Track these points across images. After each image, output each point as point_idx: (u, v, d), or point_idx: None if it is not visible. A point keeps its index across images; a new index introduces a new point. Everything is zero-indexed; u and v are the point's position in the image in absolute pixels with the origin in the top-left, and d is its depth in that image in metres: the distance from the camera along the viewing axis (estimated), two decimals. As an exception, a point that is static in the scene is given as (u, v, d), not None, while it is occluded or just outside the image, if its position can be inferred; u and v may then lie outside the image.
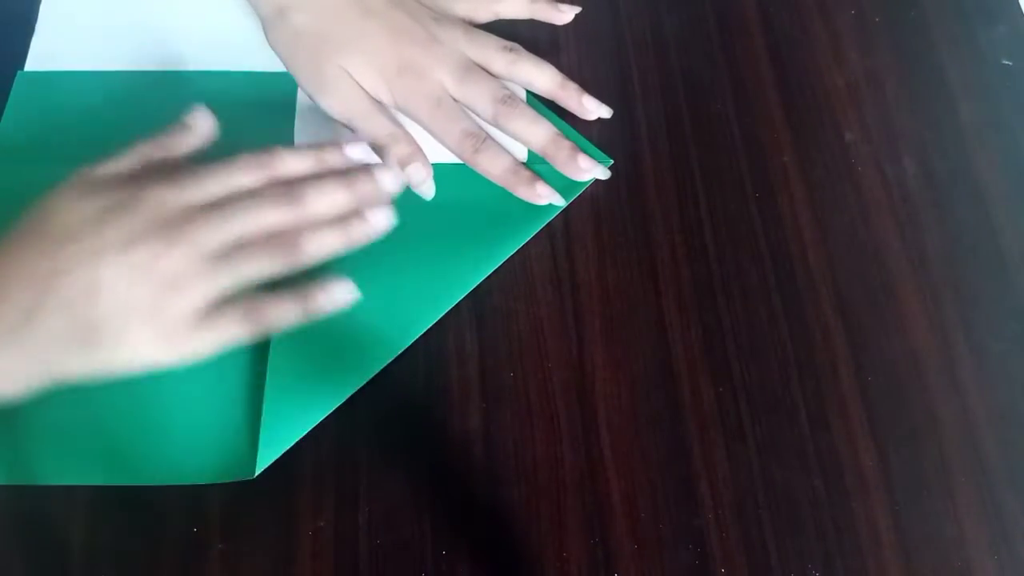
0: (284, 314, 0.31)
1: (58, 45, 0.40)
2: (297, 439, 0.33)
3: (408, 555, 0.32)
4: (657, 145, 0.40)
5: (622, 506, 0.33)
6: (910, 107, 0.41)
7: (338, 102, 0.37)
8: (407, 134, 0.37)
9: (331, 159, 0.34)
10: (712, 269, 0.37)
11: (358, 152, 0.34)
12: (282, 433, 0.33)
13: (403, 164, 0.37)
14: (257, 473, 0.32)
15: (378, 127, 0.37)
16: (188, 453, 0.32)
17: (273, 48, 0.38)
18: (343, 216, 0.32)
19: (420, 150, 0.37)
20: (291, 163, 0.33)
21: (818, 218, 0.39)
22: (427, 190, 0.38)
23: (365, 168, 0.34)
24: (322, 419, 0.33)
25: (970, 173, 0.40)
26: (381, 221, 0.33)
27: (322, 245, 0.32)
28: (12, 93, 0.39)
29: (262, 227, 0.31)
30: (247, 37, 0.40)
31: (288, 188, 0.32)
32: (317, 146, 0.34)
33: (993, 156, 0.40)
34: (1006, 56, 0.43)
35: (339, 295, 0.32)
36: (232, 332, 0.30)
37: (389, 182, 0.34)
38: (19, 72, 0.39)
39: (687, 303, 0.36)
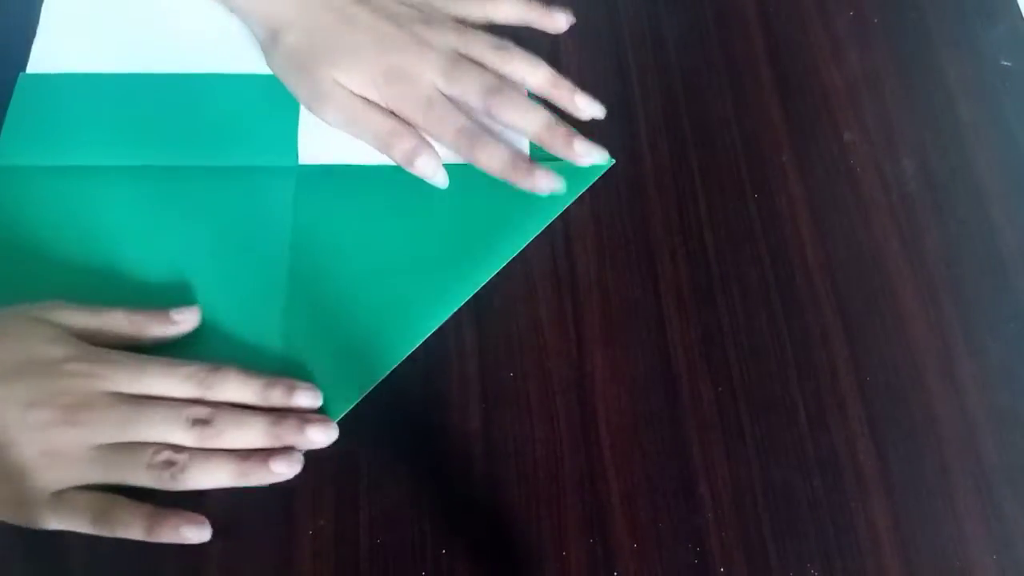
0: (130, 528, 0.30)
1: (60, 47, 0.40)
2: (358, 399, 0.33)
3: (408, 555, 0.32)
4: (657, 145, 0.40)
5: (621, 506, 0.33)
6: (909, 107, 0.42)
7: (334, 110, 0.37)
8: (409, 128, 0.37)
9: (276, 398, 0.32)
10: (711, 269, 0.37)
11: (307, 399, 0.33)
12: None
13: (409, 159, 0.37)
14: None
15: (378, 125, 0.37)
16: None
17: (272, 71, 0.39)
18: (246, 454, 0.31)
19: (425, 141, 0.37)
20: (233, 391, 0.32)
21: (817, 218, 0.39)
22: (440, 181, 0.37)
23: (299, 418, 0.32)
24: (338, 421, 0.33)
25: (969, 173, 0.40)
26: (282, 474, 0.31)
27: (207, 479, 0.31)
28: (14, 96, 0.39)
29: (163, 440, 0.31)
30: (251, 40, 0.40)
31: (210, 412, 0.31)
32: (271, 381, 0.32)
33: (992, 156, 0.40)
34: (1005, 57, 0.43)
35: (187, 534, 0.31)
36: (75, 525, 0.30)
37: (318, 439, 0.32)
38: (21, 74, 0.39)
39: (686, 303, 0.36)
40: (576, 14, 0.42)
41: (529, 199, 0.37)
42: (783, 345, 0.36)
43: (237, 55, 0.40)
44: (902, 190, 0.40)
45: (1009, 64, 0.43)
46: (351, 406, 0.34)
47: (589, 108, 0.39)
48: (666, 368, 0.35)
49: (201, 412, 0.31)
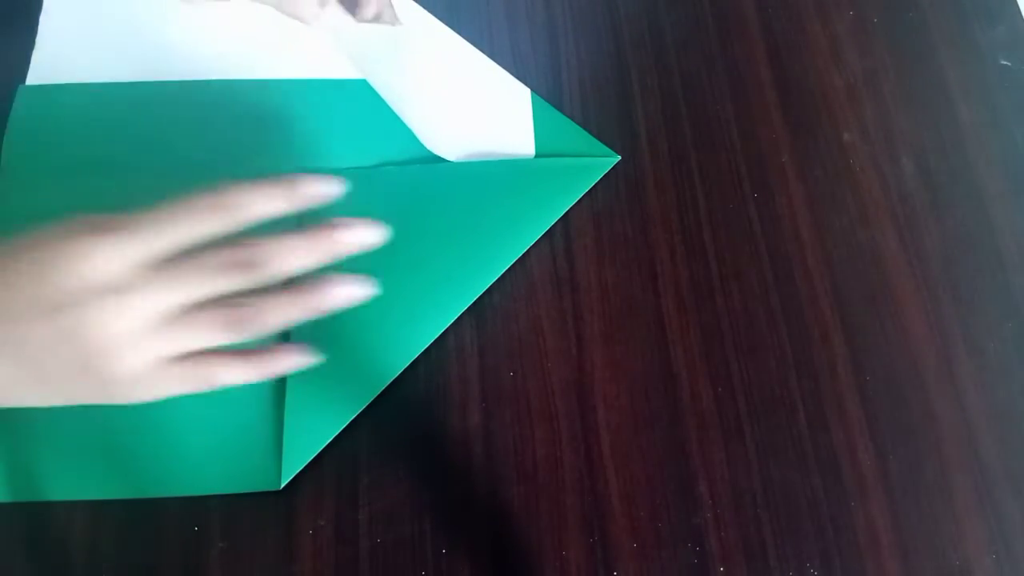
0: (231, 376, 0.29)
1: (60, 57, 0.39)
2: (320, 448, 0.33)
3: (408, 554, 0.32)
4: (656, 145, 0.40)
5: (621, 505, 0.33)
6: (908, 107, 0.42)
7: None
8: None
9: (300, 194, 0.30)
10: (711, 269, 0.37)
11: (327, 186, 0.30)
12: (305, 443, 0.33)
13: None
14: (283, 484, 0.32)
15: None
16: (212, 464, 0.32)
17: None
18: (307, 284, 0.29)
19: None
20: (257, 205, 0.29)
21: (816, 218, 0.39)
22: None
23: (327, 225, 0.29)
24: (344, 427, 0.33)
25: (968, 173, 0.40)
26: (344, 296, 0.30)
27: (278, 319, 0.29)
28: (14, 108, 0.38)
29: (216, 293, 0.29)
30: (253, 46, 0.40)
31: (249, 251, 0.29)
32: (273, 180, 0.30)
33: (991, 156, 0.41)
34: (1004, 56, 0.43)
35: (291, 361, 0.30)
36: (174, 390, 0.29)
37: (354, 238, 0.30)
38: (20, 86, 0.38)
39: (686, 303, 0.37)
40: (576, 14, 0.42)
41: (531, 200, 0.37)
42: (782, 345, 0.36)
43: (234, 62, 0.40)
44: (901, 190, 0.40)
45: (1008, 64, 0.43)
46: (360, 409, 0.34)
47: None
48: (666, 368, 0.35)
49: (242, 254, 0.29)
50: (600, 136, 0.40)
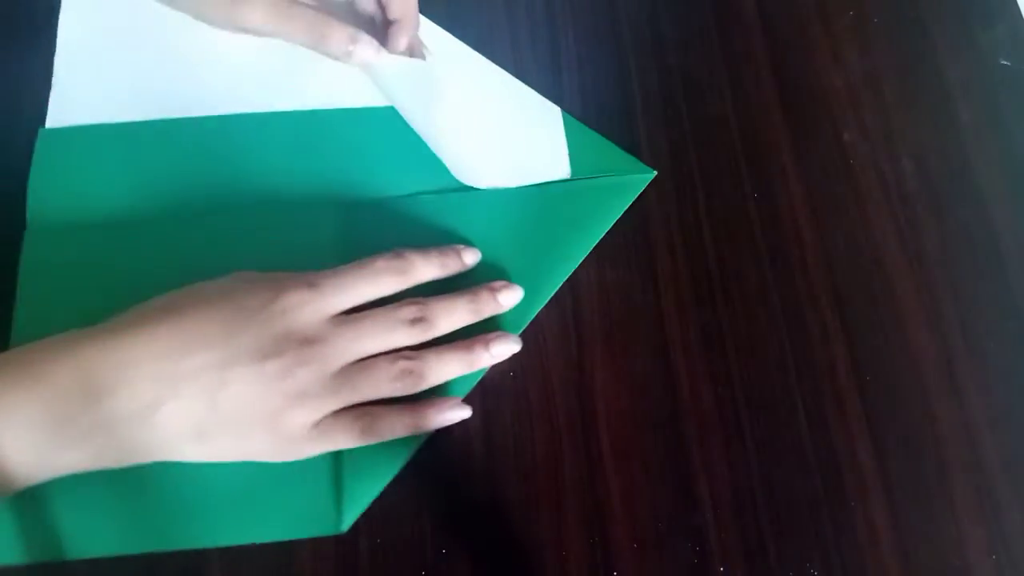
0: (396, 429, 0.32)
1: (79, 97, 0.38)
2: (383, 486, 0.32)
3: (408, 554, 0.32)
4: (656, 145, 0.40)
5: (621, 505, 0.33)
6: (909, 107, 0.42)
7: (262, 9, 0.35)
8: (341, 22, 0.35)
9: (451, 264, 0.34)
10: (711, 269, 0.37)
11: (472, 257, 0.35)
12: (366, 482, 0.32)
13: (346, 49, 0.35)
14: (346, 528, 0.32)
15: (309, 18, 0.35)
16: (268, 510, 0.31)
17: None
18: (470, 341, 0.33)
19: (360, 30, 0.35)
20: (423, 271, 0.33)
21: (816, 218, 0.39)
22: (386, 62, 0.36)
23: (488, 288, 0.34)
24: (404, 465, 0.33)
25: (968, 173, 0.40)
26: (503, 354, 0.34)
27: (443, 374, 0.32)
28: (36, 152, 0.36)
29: (390, 347, 0.32)
30: (277, 78, 0.39)
31: (420, 309, 0.32)
32: (439, 251, 0.34)
33: (991, 156, 0.41)
34: (1005, 56, 0.43)
35: (451, 414, 0.33)
36: (344, 442, 0.31)
37: (509, 302, 0.34)
38: (41, 129, 0.37)
39: (686, 303, 0.37)
40: (576, 14, 0.42)
41: (571, 224, 0.37)
42: (782, 344, 0.36)
43: (257, 95, 0.39)
44: (901, 190, 0.40)
45: (1008, 64, 0.43)
46: (421, 443, 0.33)
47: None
48: (666, 368, 0.35)
49: (414, 311, 0.32)
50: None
